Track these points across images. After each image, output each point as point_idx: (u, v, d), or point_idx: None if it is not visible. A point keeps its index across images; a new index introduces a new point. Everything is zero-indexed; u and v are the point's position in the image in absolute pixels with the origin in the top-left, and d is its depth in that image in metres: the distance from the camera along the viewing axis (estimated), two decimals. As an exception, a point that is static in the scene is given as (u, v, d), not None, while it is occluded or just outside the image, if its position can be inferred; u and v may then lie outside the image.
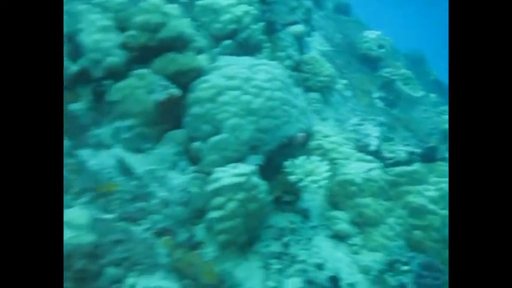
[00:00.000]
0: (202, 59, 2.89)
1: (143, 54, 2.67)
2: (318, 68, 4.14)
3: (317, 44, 5.24)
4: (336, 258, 2.72)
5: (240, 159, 2.57)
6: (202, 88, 2.64)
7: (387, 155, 3.58)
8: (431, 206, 2.97)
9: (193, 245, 2.34)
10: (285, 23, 4.26)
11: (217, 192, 2.37)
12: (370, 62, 5.75)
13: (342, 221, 2.94)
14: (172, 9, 2.78)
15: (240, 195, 2.35)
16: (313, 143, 3.28)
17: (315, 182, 2.65)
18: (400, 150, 3.62)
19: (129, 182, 2.42)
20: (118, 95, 2.56)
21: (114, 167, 2.44)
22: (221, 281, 2.27)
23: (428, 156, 3.50)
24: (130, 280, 1.93)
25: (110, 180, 2.37)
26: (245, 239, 2.43)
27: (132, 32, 2.64)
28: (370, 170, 3.06)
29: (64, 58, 2.54)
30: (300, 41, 4.47)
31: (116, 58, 2.56)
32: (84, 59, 2.54)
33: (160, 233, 2.29)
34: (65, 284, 1.72)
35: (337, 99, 4.63)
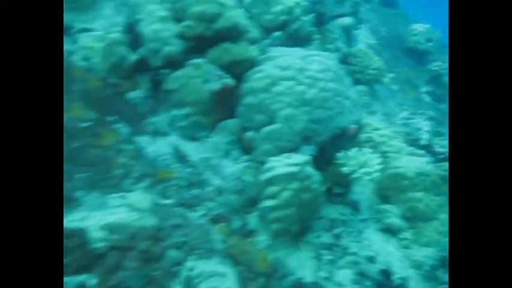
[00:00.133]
0: (254, 50, 2.91)
1: (199, 44, 2.71)
2: (366, 61, 4.08)
3: (364, 37, 5.17)
4: (387, 252, 2.69)
5: (293, 150, 2.57)
6: (256, 78, 2.66)
7: (438, 149, 3.51)
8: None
9: (247, 233, 2.37)
10: (334, 15, 4.22)
11: (271, 181, 2.38)
12: (417, 56, 5.62)
13: (393, 214, 2.90)
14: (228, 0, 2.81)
15: (294, 185, 2.36)
16: (363, 136, 3.25)
17: (368, 174, 2.62)
18: (452, 145, 3.52)
19: (185, 169, 2.47)
20: (175, 84, 2.61)
21: (171, 154, 2.50)
22: (274, 270, 2.29)
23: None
24: (189, 264, 1.97)
25: (167, 167, 2.42)
26: (297, 229, 2.43)
27: (188, 22, 2.68)
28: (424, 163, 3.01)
29: (124, 48, 2.61)
30: (347, 34, 4.43)
31: (174, 47, 2.61)
32: (143, 49, 2.60)
33: (215, 220, 2.32)
34: (129, 264, 1.78)
35: (385, 93, 4.56)
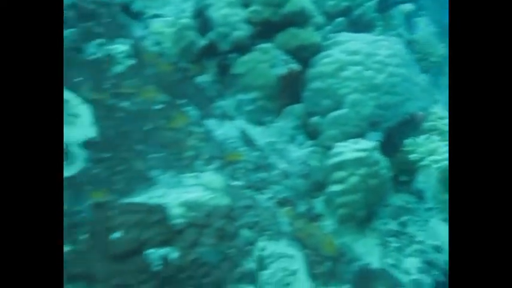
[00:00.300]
0: (318, 35, 2.90)
1: (266, 29, 2.72)
2: (430, 48, 3.96)
3: (425, 25, 5.01)
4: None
5: (360, 135, 2.55)
6: (324, 63, 2.65)
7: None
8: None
9: (313, 217, 2.38)
10: (396, 1, 4.12)
11: (338, 166, 2.38)
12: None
13: (460, 205, 2.82)
14: (294, -16, 2.80)
15: (362, 171, 2.34)
16: (428, 124, 3.16)
17: (436, 162, 2.57)
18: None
19: (252, 153, 2.50)
20: (242, 69, 2.65)
21: (238, 138, 2.53)
22: (341, 254, 2.29)
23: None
24: (260, 244, 2.00)
25: (235, 150, 2.46)
26: (364, 215, 2.41)
27: (256, 7, 2.70)
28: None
29: (193, 32, 2.66)
30: (409, 20, 4.32)
31: (242, 32, 2.64)
32: (212, 33, 2.65)
33: (282, 203, 2.35)
34: (205, 240, 1.83)
35: (447, 82, 4.41)
